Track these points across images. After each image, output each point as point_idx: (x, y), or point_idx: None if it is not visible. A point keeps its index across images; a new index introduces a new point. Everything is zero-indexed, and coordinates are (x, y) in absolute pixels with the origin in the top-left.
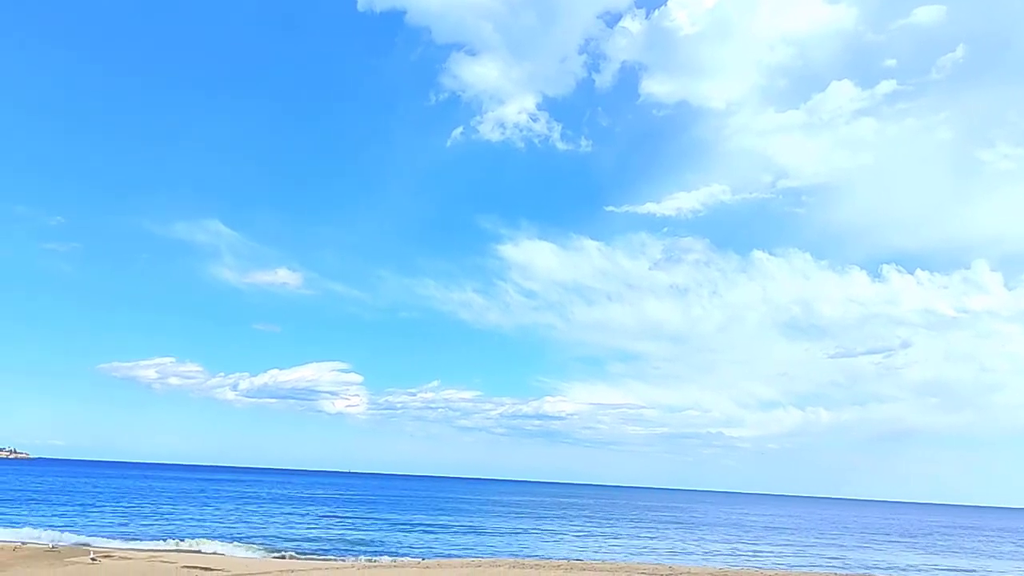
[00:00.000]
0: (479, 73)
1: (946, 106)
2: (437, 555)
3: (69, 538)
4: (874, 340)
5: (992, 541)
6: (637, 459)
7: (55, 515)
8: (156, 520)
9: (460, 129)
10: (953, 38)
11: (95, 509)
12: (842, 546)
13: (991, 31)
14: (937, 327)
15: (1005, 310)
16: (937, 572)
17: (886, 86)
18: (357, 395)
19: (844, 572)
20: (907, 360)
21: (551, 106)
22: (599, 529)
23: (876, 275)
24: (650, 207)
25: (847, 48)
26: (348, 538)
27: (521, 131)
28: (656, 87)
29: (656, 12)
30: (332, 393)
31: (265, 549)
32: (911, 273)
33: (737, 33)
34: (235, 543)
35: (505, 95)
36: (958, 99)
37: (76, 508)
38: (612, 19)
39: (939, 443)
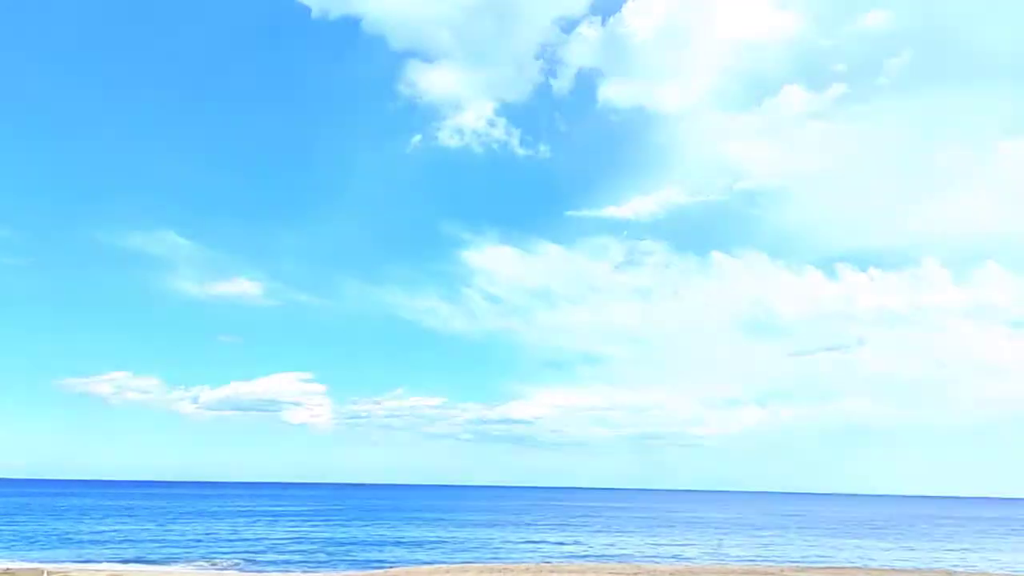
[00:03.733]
0: (436, 80)
1: (894, 109)
2: (406, 563)
3: (25, 558)
4: (831, 338)
5: (946, 528)
6: (604, 460)
7: (11, 536)
8: (115, 539)
9: (419, 136)
10: (900, 42)
11: (52, 529)
12: (807, 539)
13: (936, 35)
14: (891, 323)
15: (955, 305)
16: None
17: (836, 90)
18: (321, 405)
19: (808, 565)
20: (863, 357)
21: (509, 112)
22: (567, 531)
23: (831, 274)
24: (610, 211)
25: (799, 53)
26: (313, 551)
27: (480, 137)
28: (613, 93)
29: (612, 19)
30: (296, 403)
31: (225, 565)
32: (864, 271)
33: (691, 39)
34: (197, 561)
35: (463, 101)
36: (906, 102)
37: (33, 528)
38: (568, 25)
39: (895, 437)
